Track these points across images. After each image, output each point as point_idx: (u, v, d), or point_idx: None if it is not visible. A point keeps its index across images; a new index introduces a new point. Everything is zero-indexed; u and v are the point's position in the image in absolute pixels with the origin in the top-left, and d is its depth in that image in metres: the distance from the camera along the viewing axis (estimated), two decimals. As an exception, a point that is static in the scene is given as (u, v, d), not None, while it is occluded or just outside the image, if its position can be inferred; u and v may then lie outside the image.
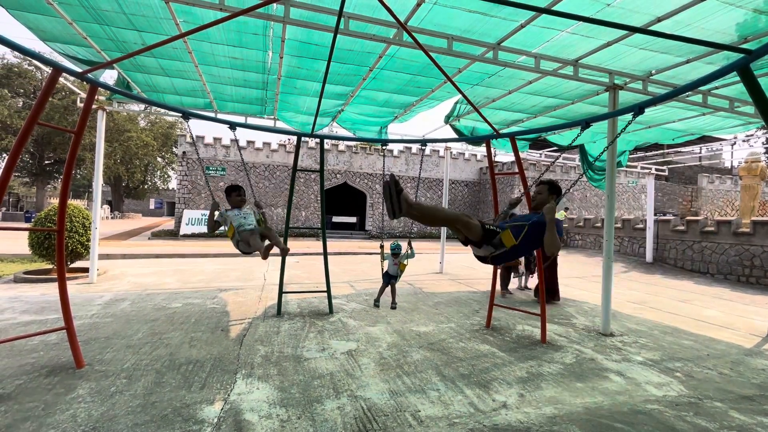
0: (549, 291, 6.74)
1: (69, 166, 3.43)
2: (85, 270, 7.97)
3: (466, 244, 3.01)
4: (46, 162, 30.52)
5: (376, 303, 4.83)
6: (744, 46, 4.14)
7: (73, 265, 8.33)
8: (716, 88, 5.58)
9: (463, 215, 2.78)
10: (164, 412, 2.75)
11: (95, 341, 4.10)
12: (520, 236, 2.90)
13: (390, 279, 4.81)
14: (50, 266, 8.01)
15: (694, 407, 3.13)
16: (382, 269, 4.80)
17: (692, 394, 3.38)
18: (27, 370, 3.33)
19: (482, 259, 3.14)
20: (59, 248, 3.49)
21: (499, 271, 6.98)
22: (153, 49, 4.76)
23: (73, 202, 8.85)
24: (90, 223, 7.79)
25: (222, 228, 4.18)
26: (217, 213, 4.19)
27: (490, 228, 2.89)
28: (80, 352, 3.48)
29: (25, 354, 3.69)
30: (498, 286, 6.91)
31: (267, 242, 4.12)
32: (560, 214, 16.80)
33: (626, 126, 3.16)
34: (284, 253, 4.04)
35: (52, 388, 3.04)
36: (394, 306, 4.90)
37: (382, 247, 4.76)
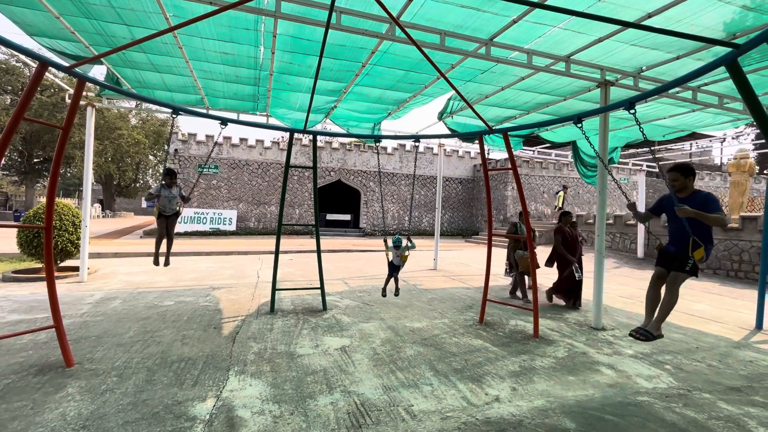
0: (570, 295, 6.27)
1: (56, 162, 3.38)
2: (76, 269, 7.87)
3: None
4: (35, 160, 30.05)
5: (383, 292, 5.04)
6: (733, 42, 4.19)
7: (63, 264, 8.23)
8: (705, 84, 5.64)
9: (676, 291, 3.31)
10: (155, 409, 2.73)
11: (85, 340, 4.05)
12: (700, 247, 3.11)
13: (394, 270, 4.98)
14: (39, 265, 7.90)
15: (684, 398, 3.17)
16: (388, 260, 4.99)
17: (681, 385, 3.43)
18: (15, 369, 3.28)
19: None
20: (47, 246, 3.44)
21: (515, 276, 6.81)
22: (143, 44, 4.71)
23: (63, 201, 8.72)
24: (80, 222, 7.69)
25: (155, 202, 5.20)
26: (154, 186, 5.57)
27: (690, 267, 3.23)
28: (70, 350, 3.44)
29: (13, 353, 3.64)
30: (516, 292, 6.79)
31: (162, 249, 5.32)
32: (559, 195, 17.04)
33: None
34: (166, 264, 5.39)
35: (41, 387, 3.00)
36: (397, 293, 5.12)
37: (385, 241, 4.92)
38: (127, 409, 2.71)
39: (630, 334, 3.39)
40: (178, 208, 5.32)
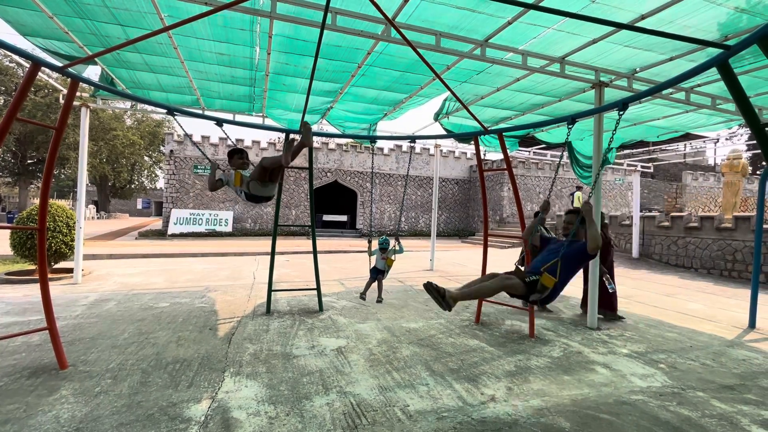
0: (606, 304, 5.57)
1: (50, 162, 3.36)
2: (70, 270, 7.81)
3: (515, 297, 3.19)
4: (29, 161, 29.79)
5: (362, 296, 4.88)
6: (725, 43, 4.23)
7: (57, 266, 8.16)
8: (698, 85, 5.69)
9: (505, 280, 2.96)
10: (150, 411, 2.71)
11: (79, 342, 4.02)
12: (557, 273, 2.99)
13: (378, 274, 4.84)
14: (33, 267, 7.83)
15: (677, 397, 3.20)
16: (370, 264, 4.85)
17: (675, 384, 3.45)
18: (8, 372, 3.25)
19: (535, 303, 3.24)
20: (41, 247, 3.41)
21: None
22: (137, 45, 4.69)
23: (57, 202, 8.65)
24: (74, 223, 7.64)
25: (223, 186, 4.11)
26: (219, 171, 4.04)
27: (530, 280, 3.02)
28: (63, 352, 3.41)
29: (6, 356, 3.60)
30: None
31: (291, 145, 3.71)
32: (577, 196, 16.10)
33: (616, 127, 3.20)
34: (308, 144, 3.69)
35: (34, 389, 2.97)
36: (379, 300, 4.97)
37: (369, 242, 4.78)
38: (121, 411, 2.69)
39: (425, 285, 2.88)
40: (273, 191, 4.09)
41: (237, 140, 22.00)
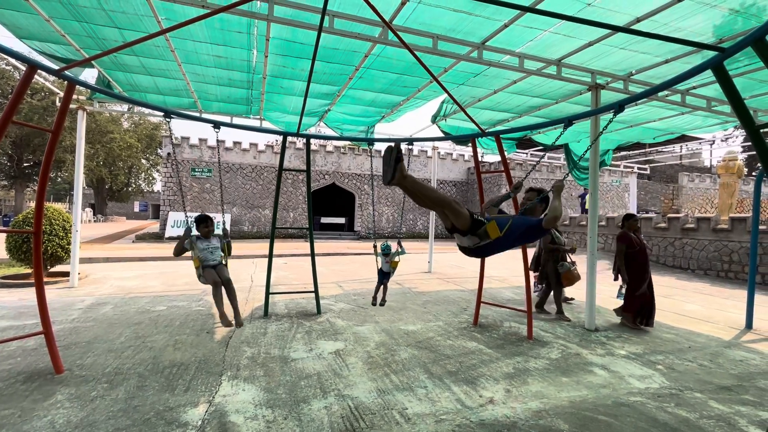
0: (642, 315, 5.27)
1: (46, 165, 3.34)
2: (66, 274, 7.77)
3: (452, 233, 2.98)
4: (25, 164, 29.67)
5: (374, 301, 4.94)
6: (720, 46, 4.26)
7: (53, 270, 8.12)
8: (694, 87, 5.72)
9: (454, 201, 2.77)
10: (146, 415, 2.69)
11: (75, 346, 3.99)
12: (504, 228, 2.89)
13: (384, 276, 4.89)
14: (29, 271, 7.79)
15: (675, 398, 3.20)
16: (377, 267, 4.90)
17: (673, 385, 3.46)
18: (3, 377, 3.23)
19: (465, 250, 3.12)
20: (36, 250, 3.39)
21: (541, 287, 6.15)
22: (134, 47, 4.68)
23: (53, 205, 8.61)
24: (71, 226, 7.60)
25: (189, 253, 4.26)
26: (187, 241, 4.15)
27: (478, 218, 2.89)
28: (59, 357, 3.39)
29: (1, 360, 3.57)
30: (544, 306, 6.10)
31: (225, 305, 4.22)
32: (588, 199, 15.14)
33: (607, 124, 3.23)
34: (238, 326, 4.26)
35: (29, 394, 2.95)
36: (383, 303, 4.99)
37: (375, 247, 4.84)
38: (117, 416, 2.67)
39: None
40: (221, 258, 4.37)
41: (235, 143, 21.99)
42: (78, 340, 4.19)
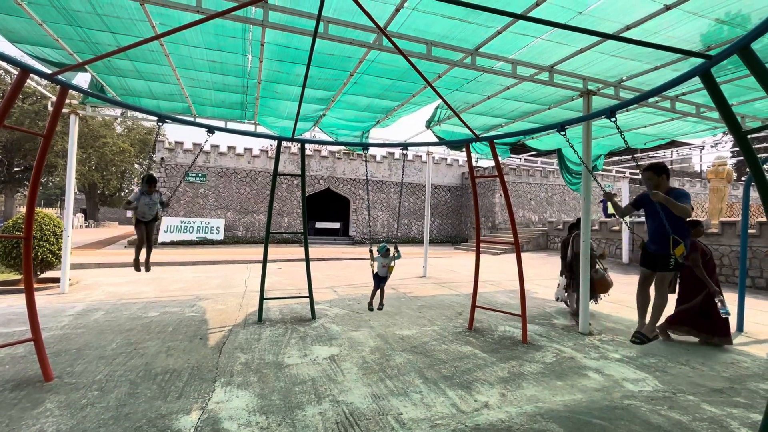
0: (702, 327, 4.80)
1: (37, 170, 3.31)
2: (57, 280, 7.66)
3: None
4: (16, 169, 29.35)
5: (371, 307, 4.95)
6: (707, 53, 4.35)
7: (43, 276, 8.00)
8: (684, 94, 5.82)
9: (664, 291, 3.50)
10: (138, 423, 2.66)
11: (66, 353, 3.93)
12: (679, 244, 3.27)
13: (380, 281, 4.89)
14: (19, 277, 7.66)
15: (669, 401, 3.22)
16: (373, 271, 4.89)
17: (666, 388, 3.48)
18: (-9, 385, 3.17)
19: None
20: (26, 256, 3.34)
21: (575, 294, 5.81)
22: (128, 52, 4.68)
23: (44, 210, 8.50)
24: (62, 232, 7.51)
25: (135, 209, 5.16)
26: (133, 193, 5.29)
27: (672, 267, 3.39)
28: (49, 364, 3.33)
29: (-12, 368, 3.51)
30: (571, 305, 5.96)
31: (142, 254, 5.35)
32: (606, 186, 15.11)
33: (622, 131, 3.28)
34: (147, 270, 5.44)
35: (17, 402, 2.90)
36: (381, 307, 5.01)
37: (371, 251, 4.84)
38: (108, 424, 2.63)
39: (631, 341, 3.53)
40: (157, 213, 5.36)
41: (229, 147, 21.91)
42: (68, 347, 4.13)
